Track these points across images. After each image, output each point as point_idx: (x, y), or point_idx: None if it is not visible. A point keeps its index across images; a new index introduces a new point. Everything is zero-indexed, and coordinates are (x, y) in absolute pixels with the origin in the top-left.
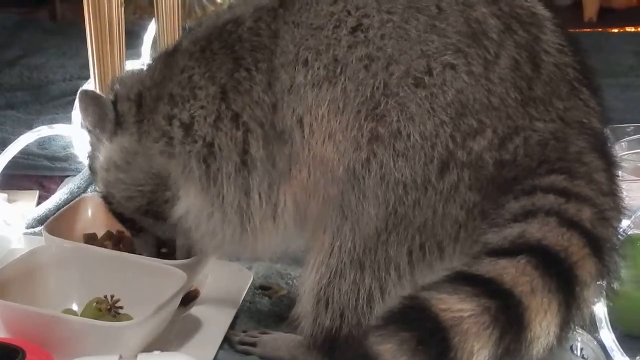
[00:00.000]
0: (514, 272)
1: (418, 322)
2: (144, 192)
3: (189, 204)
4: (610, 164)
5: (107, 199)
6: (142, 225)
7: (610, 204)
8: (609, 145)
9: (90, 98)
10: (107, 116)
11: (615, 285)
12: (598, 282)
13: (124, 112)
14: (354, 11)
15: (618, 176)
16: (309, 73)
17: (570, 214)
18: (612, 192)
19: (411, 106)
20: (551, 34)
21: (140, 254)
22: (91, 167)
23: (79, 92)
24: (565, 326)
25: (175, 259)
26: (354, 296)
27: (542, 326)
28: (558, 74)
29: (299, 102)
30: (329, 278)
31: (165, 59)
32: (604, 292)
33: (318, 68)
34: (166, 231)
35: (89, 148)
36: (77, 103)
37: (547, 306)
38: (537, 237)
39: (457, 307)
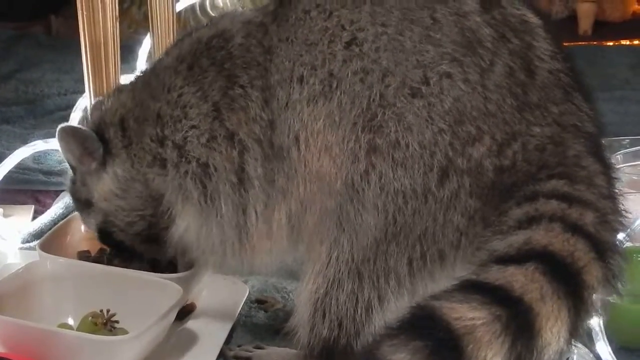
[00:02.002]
0: (523, 279)
1: (430, 331)
2: (145, 216)
3: (187, 223)
4: (607, 167)
5: (105, 229)
6: (140, 251)
7: (611, 207)
8: (603, 148)
9: (70, 133)
10: (93, 147)
11: (612, 298)
12: (605, 286)
13: (110, 138)
14: (348, 25)
15: (616, 179)
16: (304, 89)
17: (573, 218)
18: (611, 195)
19: (409, 116)
20: (543, 41)
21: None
22: (79, 200)
23: (57, 129)
24: (574, 331)
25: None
26: (352, 306)
27: (553, 332)
28: (552, 79)
29: (295, 119)
30: (326, 288)
31: (146, 79)
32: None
33: (314, 84)
34: (166, 253)
35: (72, 182)
36: (57, 138)
37: (557, 312)
38: (543, 244)
39: (469, 316)
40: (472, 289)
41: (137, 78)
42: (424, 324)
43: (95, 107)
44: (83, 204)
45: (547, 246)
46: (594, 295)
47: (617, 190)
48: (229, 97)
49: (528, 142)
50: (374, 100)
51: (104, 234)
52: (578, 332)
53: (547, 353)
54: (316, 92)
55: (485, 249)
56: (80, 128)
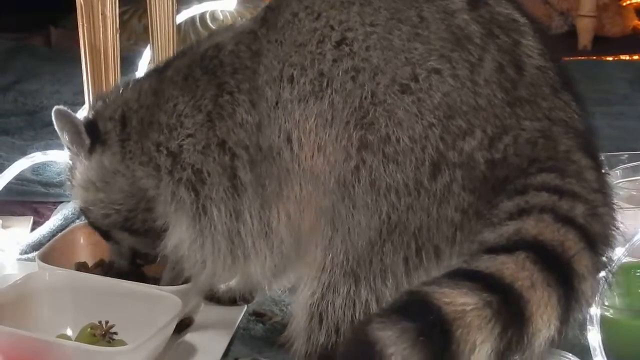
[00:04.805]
0: (513, 267)
1: (420, 313)
2: (122, 210)
3: (180, 235)
4: (596, 162)
5: (84, 212)
6: (117, 239)
7: (600, 200)
8: (593, 144)
9: (63, 116)
10: (81, 134)
11: (610, 314)
12: (595, 276)
13: (107, 130)
14: (337, 26)
15: (605, 174)
16: (294, 89)
17: (564, 210)
18: (601, 189)
19: (399, 112)
20: (531, 39)
21: (113, 262)
22: (70, 181)
23: (54, 109)
24: (565, 320)
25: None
26: (350, 310)
27: (544, 319)
28: (540, 75)
29: (286, 119)
30: (322, 292)
31: (153, 84)
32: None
33: (304, 83)
34: (141, 245)
35: (69, 161)
36: (53, 117)
37: (547, 299)
38: (533, 234)
39: (460, 301)
40: (463, 276)
41: (145, 79)
42: (414, 307)
43: (100, 98)
44: (70, 184)
45: (537, 236)
46: (585, 283)
47: (606, 185)
48: (219, 105)
49: (519, 136)
50: (365, 98)
51: (84, 215)
52: (569, 321)
53: (537, 340)
54: (306, 92)
55: (476, 241)
56: (74, 118)
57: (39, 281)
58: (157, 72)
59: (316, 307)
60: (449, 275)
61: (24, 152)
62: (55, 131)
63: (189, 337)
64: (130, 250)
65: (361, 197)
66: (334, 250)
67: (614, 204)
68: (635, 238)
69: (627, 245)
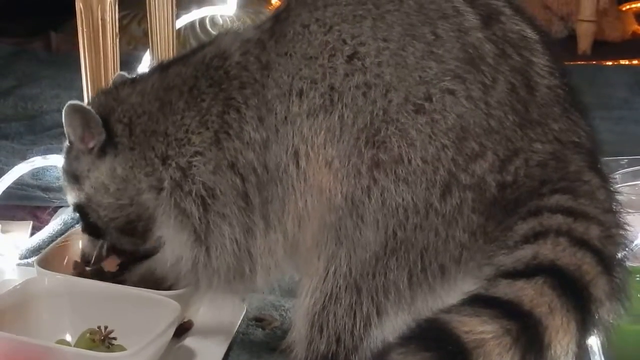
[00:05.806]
0: (532, 294)
1: (440, 343)
2: (129, 216)
3: (180, 251)
4: (606, 181)
5: (82, 208)
6: (111, 238)
7: (613, 221)
8: (600, 163)
9: (78, 112)
10: (97, 131)
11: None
12: (611, 300)
13: (118, 134)
14: (349, 40)
15: (615, 192)
16: (304, 103)
17: (579, 233)
18: (612, 209)
19: (412, 132)
20: (541, 56)
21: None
22: (67, 172)
23: (66, 105)
24: (583, 344)
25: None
26: (351, 321)
27: (562, 345)
28: (551, 95)
29: (294, 133)
30: (324, 303)
31: (157, 88)
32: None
33: (314, 97)
34: (127, 243)
35: (67, 154)
36: (63, 112)
37: (566, 325)
38: (551, 258)
39: (479, 329)
40: (481, 303)
41: (149, 80)
42: (433, 336)
43: (106, 92)
44: (71, 177)
45: (555, 260)
46: (602, 308)
47: (617, 205)
48: (227, 123)
49: (530, 158)
50: (377, 115)
51: (80, 211)
52: (586, 345)
53: None
54: (316, 106)
55: (491, 264)
56: (90, 110)
57: (38, 287)
58: (160, 73)
59: (317, 317)
60: (468, 302)
61: (23, 157)
62: (55, 136)
63: (188, 341)
64: (111, 245)
65: (370, 214)
66: (337, 262)
67: (624, 223)
68: (635, 242)
69: (627, 250)
